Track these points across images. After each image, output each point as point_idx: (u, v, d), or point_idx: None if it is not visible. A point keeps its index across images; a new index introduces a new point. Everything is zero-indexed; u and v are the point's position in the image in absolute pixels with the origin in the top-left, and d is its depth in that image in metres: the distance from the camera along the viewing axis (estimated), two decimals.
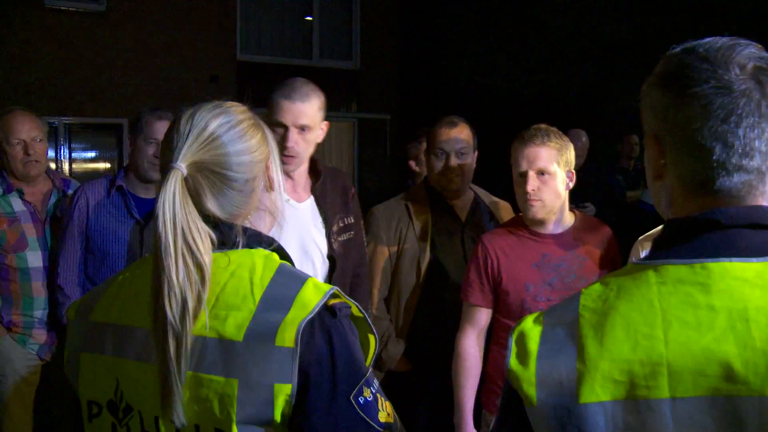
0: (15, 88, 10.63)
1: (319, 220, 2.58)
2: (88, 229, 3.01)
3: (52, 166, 10.91)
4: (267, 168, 1.36)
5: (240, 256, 1.26)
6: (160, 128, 2.94)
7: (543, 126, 2.49)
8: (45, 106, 10.60)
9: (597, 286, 1.01)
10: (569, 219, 2.55)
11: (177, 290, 1.16)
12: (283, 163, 2.33)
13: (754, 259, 0.93)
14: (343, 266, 2.69)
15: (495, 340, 2.55)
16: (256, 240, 1.31)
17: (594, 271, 2.48)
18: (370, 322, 1.31)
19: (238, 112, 1.32)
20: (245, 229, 1.30)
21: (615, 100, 12.17)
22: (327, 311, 1.22)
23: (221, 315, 1.20)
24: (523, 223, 2.55)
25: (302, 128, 2.36)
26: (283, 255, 1.34)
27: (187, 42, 11.36)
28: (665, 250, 0.99)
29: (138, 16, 11.31)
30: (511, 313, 2.45)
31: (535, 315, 1.03)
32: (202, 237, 1.21)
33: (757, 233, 0.95)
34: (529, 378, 0.94)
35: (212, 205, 1.26)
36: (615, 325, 0.93)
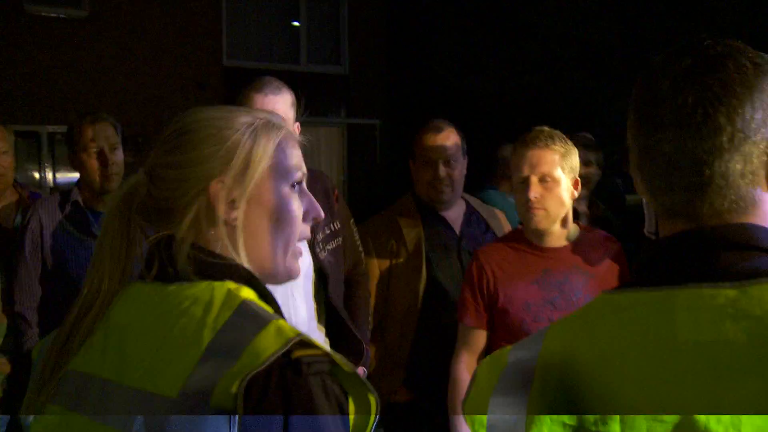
0: None
1: None
2: (43, 251, 2.74)
3: (36, 176, 10.71)
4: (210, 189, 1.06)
5: (200, 290, 1.00)
6: (95, 132, 2.74)
7: (546, 128, 2.30)
8: (27, 115, 10.40)
9: (562, 323, 0.94)
10: (574, 231, 2.33)
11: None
12: None
13: (727, 284, 0.80)
14: (336, 278, 2.51)
15: None
16: (226, 270, 1.03)
17: (601, 288, 2.27)
18: (365, 380, 0.95)
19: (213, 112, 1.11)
20: (202, 256, 1.04)
21: (605, 104, 12.09)
22: (289, 366, 0.89)
23: (162, 362, 0.95)
24: (523, 235, 2.34)
25: None
26: (261, 290, 1.05)
27: (173, 48, 11.18)
28: (635, 276, 0.91)
29: (121, 22, 11.10)
30: (510, 335, 2.24)
31: (507, 348, 0.96)
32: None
33: (735, 255, 0.83)
34: (481, 420, 0.92)
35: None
36: (568, 370, 0.86)
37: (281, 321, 0.94)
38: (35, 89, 10.39)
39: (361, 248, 2.78)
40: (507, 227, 2.96)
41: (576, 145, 2.35)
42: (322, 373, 0.91)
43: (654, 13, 11.76)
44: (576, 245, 2.31)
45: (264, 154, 1.06)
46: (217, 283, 1.00)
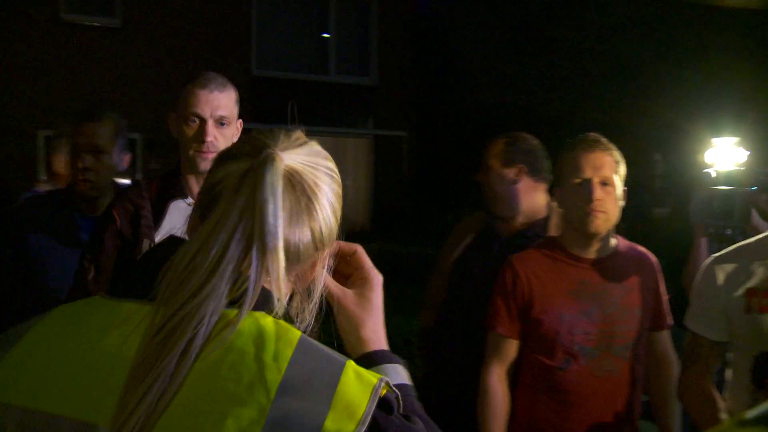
0: (29, 102, 10.58)
1: None
2: (25, 255, 2.51)
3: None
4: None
5: (243, 320, 0.87)
6: (87, 131, 2.56)
7: (597, 134, 2.25)
8: (58, 121, 10.52)
9: None
10: (612, 243, 2.28)
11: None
12: (199, 159, 2.09)
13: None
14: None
15: (524, 381, 2.26)
16: (264, 300, 0.90)
17: (636, 304, 2.21)
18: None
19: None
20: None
21: (634, 119, 11.93)
22: (379, 409, 0.85)
23: (214, 412, 0.80)
24: (560, 244, 2.28)
25: (221, 121, 2.13)
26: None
27: (202, 57, 11.26)
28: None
29: (152, 32, 11.25)
30: (543, 347, 2.19)
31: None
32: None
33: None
34: None
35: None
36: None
37: (351, 362, 0.88)
38: (66, 96, 10.53)
39: None
40: None
41: None
42: (406, 403, 0.91)
43: (685, 26, 11.61)
44: (613, 258, 2.25)
45: None
46: (257, 314, 0.88)
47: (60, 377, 0.87)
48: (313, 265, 1.00)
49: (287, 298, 0.96)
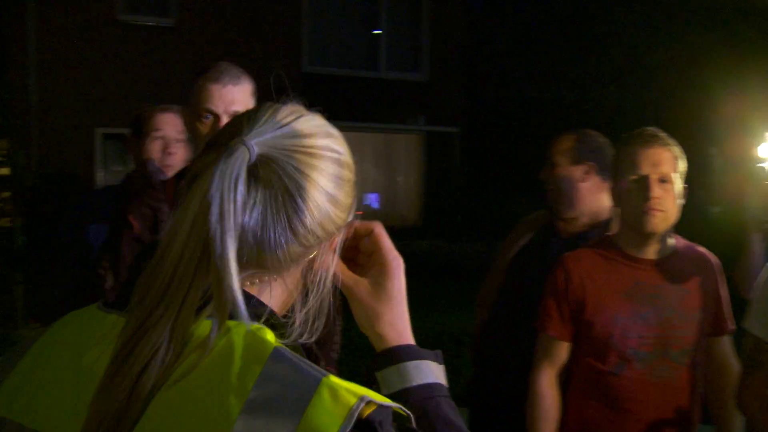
0: (87, 100, 10.85)
1: None
2: (84, 244, 2.55)
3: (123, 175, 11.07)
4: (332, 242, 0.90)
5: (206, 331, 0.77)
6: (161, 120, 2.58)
7: (656, 129, 2.16)
8: (114, 119, 10.78)
9: None
10: (671, 243, 2.17)
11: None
12: None
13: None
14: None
15: (576, 384, 2.18)
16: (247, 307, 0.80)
17: (695, 307, 2.11)
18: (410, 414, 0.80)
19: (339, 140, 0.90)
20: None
21: (692, 112, 11.59)
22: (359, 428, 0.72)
23: None
24: (615, 243, 2.18)
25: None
26: (281, 330, 0.84)
27: (253, 54, 11.36)
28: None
29: (205, 30, 11.42)
30: (594, 350, 2.11)
31: None
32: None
33: None
34: None
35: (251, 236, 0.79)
36: None
37: (330, 378, 0.74)
38: (124, 93, 10.76)
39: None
40: None
41: None
42: (390, 417, 0.77)
43: (744, 16, 11.20)
44: (671, 258, 2.14)
45: None
46: (231, 324, 0.77)
47: (50, 394, 0.81)
48: (317, 257, 0.89)
49: (290, 300, 0.89)
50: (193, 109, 2.02)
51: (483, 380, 2.76)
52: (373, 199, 13.63)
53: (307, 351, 0.94)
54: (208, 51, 11.23)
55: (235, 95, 2.02)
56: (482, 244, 10.66)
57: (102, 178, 10.95)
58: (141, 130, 2.64)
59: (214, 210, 0.75)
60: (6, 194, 9.40)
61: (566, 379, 2.21)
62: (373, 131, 13.30)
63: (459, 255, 10.62)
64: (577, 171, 2.54)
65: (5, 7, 10.69)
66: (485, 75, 14.57)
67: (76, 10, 10.84)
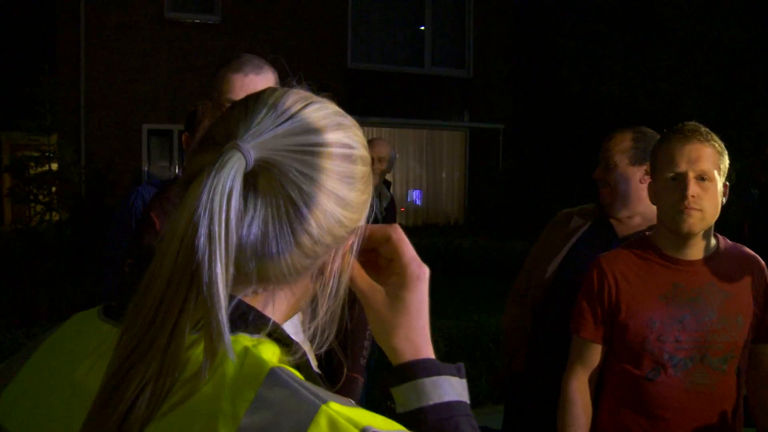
0: (134, 97, 11.04)
1: None
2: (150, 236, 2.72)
3: (167, 170, 11.26)
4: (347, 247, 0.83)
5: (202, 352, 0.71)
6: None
7: (696, 123, 2.04)
8: (161, 115, 10.96)
9: None
10: (713, 244, 2.06)
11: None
12: None
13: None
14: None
15: (609, 389, 2.09)
16: (239, 320, 0.74)
17: (739, 311, 1.99)
18: None
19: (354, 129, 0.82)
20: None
21: (742, 109, 11.24)
22: None
23: None
24: (652, 243, 2.08)
25: None
26: (286, 343, 0.77)
27: (297, 51, 11.42)
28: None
29: (250, 27, 11.52)
30: (629, 354, 2.01)
31: None
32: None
33: None
34: None
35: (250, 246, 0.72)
36: None
37: (331, 404, 0.67)
38: (170, 90, 10.92)
39: None
40: None
41: None
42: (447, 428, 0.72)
43: None
44: (713, 259, 2.03)
45: None
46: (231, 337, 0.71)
47: (45, 406, 0.77)
48: (327, 263, 0.81)
49: (297, 308, 0.82)
50: (216, 102, 1.97)
51: (530, 379, 2.69)
52: (416, 196, 13.59)
53: (328, 354, 0.89)
54: (253, 47, 11.31)
55: (257, 85, 1.94)
56: (524, 242, 10.52)
57: (146, 174, 11.17)
58: (195, 126, 2.61)
59: (202, 232, 0.67)
60: (54, 189, 9.63)
61: (600, 384, 2.12)
62: (416, 127, 13.25)
63: (501, 253, 10.48)
64: (639, 172, 2.46)
65: (61, 6, 10.95)
66: (530, 71, 14.36)
67: (125, 9, 11.04)
